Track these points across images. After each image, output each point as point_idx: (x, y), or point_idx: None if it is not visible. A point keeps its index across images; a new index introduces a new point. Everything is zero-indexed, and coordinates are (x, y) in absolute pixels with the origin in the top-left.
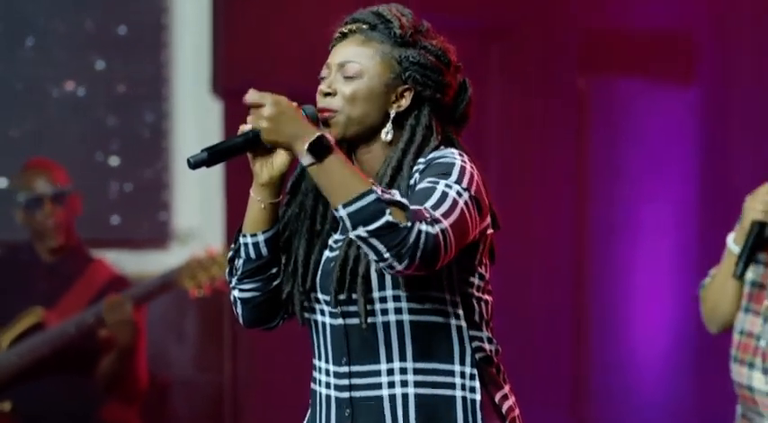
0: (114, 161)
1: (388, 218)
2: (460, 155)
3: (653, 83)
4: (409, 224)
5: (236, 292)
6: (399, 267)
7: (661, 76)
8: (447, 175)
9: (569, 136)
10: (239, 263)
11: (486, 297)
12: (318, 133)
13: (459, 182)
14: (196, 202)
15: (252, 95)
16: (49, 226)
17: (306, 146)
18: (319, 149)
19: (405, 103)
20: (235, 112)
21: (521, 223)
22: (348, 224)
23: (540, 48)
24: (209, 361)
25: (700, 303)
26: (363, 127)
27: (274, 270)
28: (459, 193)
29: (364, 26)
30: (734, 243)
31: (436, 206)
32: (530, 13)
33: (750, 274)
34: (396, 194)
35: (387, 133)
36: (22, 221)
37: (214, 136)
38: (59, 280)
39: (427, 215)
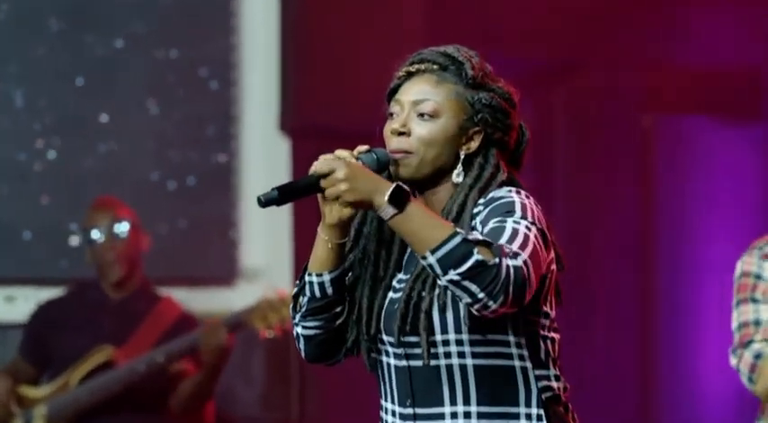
0: (183, 199)
1: (477, 257)
2: (517, 192)
3: (718, 120)
4: (497, 261)
5: (299, 329)
6: (494, 306)
7: (726, 113)
8: (511, 212)
9: (634, 174)
10: (303, 300)
11: (553, 335)
12: (395, 184)
13: (524, 217)
14: (264, 241)
15: (321, 164)
16: (108, 259)
17: (386, 198)
18: (399, 200)
19: (474, 145)
20: (302, 150)
21: (586, 263)
22: (438, 270)
23: (605, 86)
24: (277, 400)
25: (748, 374)
26: (434, 168)
27: (338, 309)
28: (527, 228)
29: (435, 66)
30: None
31: (510, 241)
32: (595, 51)
33: None
34: (476, 234)
35: (458, 175)
36: (89, 259)
37: (282, 174)
38: (128, 318)
39: (507, 250)
